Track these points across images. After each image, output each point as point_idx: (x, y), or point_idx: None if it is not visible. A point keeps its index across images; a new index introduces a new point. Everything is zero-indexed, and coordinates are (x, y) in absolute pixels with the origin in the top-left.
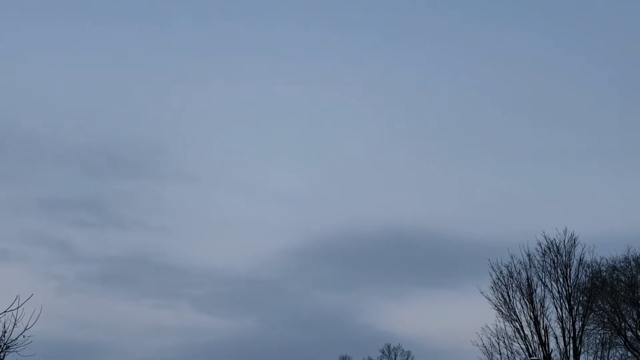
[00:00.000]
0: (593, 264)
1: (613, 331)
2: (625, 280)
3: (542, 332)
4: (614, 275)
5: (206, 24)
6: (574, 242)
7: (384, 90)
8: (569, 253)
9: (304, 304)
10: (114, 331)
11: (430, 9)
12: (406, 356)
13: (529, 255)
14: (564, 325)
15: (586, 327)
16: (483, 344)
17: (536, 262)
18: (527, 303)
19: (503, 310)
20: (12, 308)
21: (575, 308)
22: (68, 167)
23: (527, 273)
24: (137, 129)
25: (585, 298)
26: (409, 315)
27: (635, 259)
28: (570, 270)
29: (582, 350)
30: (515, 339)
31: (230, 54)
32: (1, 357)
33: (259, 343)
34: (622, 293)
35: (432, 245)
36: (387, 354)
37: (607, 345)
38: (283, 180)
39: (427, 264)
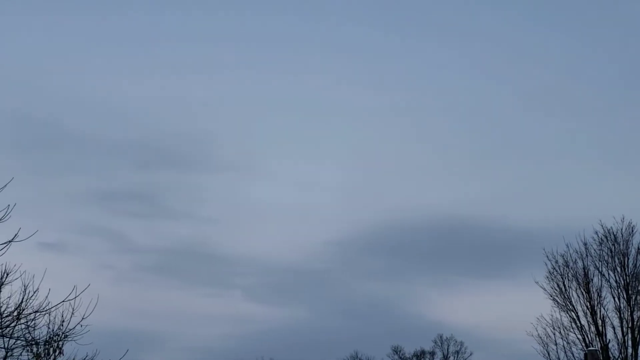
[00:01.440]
0: None
1: None
2: None
3: (599, 322)
4: None
5: (245, 16)
6: (632, 231)
7: (421, 82)
8: (627, 242)
9: (354, 294)
10: (166, 320)
11: (448, 5)
12: (459, 346)
13: (585, 244)
14: (622, 315)
15: None
16: (538, 335)
17: (593, 251)
18: (584, 293)
19: (559, 300)
20: (69, 298)
21: (634, 297)
22: (120, 160)
23: (583, 262)
24: (185, 121)
25: None
26: (461, 305)
27: None
28: (628, 259)
29: None
30: (571, 330)
31: (274, 45)
32: (60, 345)
33: (308, 333)
34: None
35: (483, 234)
36: (440, 345)
37: None
38: (329, 170)
39: (478, 253)
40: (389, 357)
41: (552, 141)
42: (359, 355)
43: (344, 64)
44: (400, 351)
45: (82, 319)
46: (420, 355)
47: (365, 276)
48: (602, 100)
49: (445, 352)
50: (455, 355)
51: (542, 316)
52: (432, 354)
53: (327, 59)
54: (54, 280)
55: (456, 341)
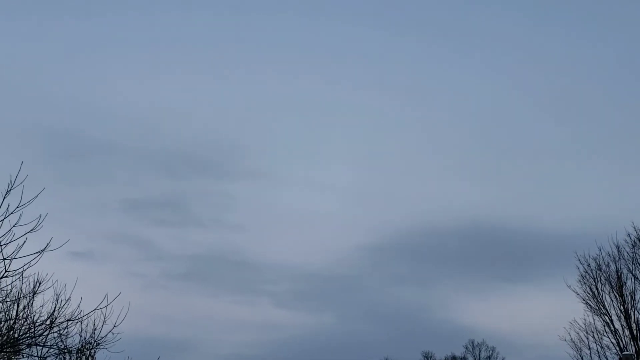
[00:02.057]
0: None
1: None
2: None
3: (634, 326)
4: None
5: (270, 24)
6: None
7: (442, 87)
8: None
9: (382, 299)
10: (195, 327)
11: (463, 10)
12: (491, 352)
13: (617, 246)
14: None
15: None
16: (571, 339)
17: (625, 254)
18: (617, 296)
19: (591, 304)
20: (101, 306)
21: None
22: (148, 169)
23: (616, 265)
24: (212, 130)
25: None
26: (492, 310)
27: None
28: None
29: None
30: (605, 334)
31: (299, 54)
32: (92, 353)
33: (337, 338)
34: None
35: (512, 238)
36: (471, 350)
37: None
38: (356, 176)
39: (507, 257)
40: None
41: (579, 144)
42: None
43: (366, 71)
44: (431, 356)
45: (114, 326)
46: None
47: (393, 281)
48: (622, 104)
49: (477, 358)
50: None
51: (574, 320)
52: (464, 359)
53: (351, 68)
54: (85, 288)
55: (488, 346)
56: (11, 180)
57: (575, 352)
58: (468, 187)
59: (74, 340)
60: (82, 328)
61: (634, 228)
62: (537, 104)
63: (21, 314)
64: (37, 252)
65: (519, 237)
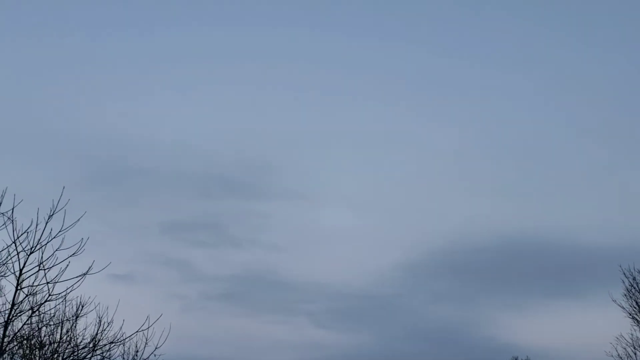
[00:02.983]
0: None
1: None
2: None
3: None
4: None
5: (300, 41)
6: None
7: (482, 103)
8: None
9: (421, 318)
10: (235, 347)
11: (505, 32)
12: None
13: None
14: None
15: None
16: (618, 354)
17: None
18: None
19: (638, 319)
20: (143, 328)
21: None
22: (185, 191)
23: None
24: (246, 150)
25: None
26: (534, 327)
27: None
28: None
29: None
30: None
31: (332, 72)
32: None
33: (377, 358)
34: None
35: (553, 253)
36: None
37: None
38: (392, 192)
39: (549, 273)
40: None
41: (620, 156)
42: None
43: (396, 89)
44: None
45: (156, 348)
46: None
47: (432, 299)
48: None
49: None
50: None
51: (621, 335)
52: None
53: (377, 85)
54: (126, 311)
55: None
56: (53, 205)
57: None
58: (506, 202)
59: None
60: (124, 350)
61: None
62: (573, 119)
63: (65, 337)
64: (80, 276)
65: (559, 251)
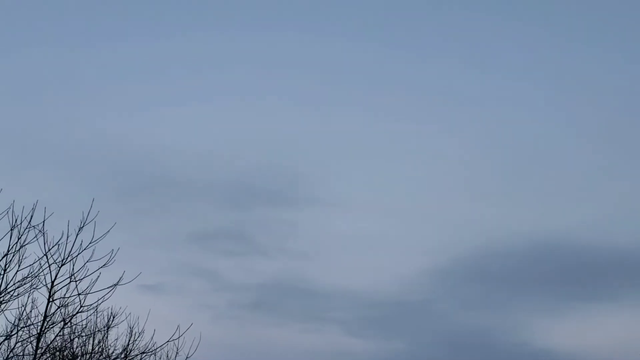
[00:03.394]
0: None
1: None
2: None
3: None
4: None
5: (320, 49)
6: None
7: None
8: None
9: (453, 324)
10: (265, 356)
11: (517, 41)
12: None
13: None
14: None
15: None
16: None
17: None
18: None
19: None
20: (174, 338)
21: None
22: (213, 201)
23: None
24: (272, 158)
25: None
26: (568, 331)
27: None
28: None
29: None
30: None
31: (361, 83)
32: None
33: None
34: None
35: (584, 256)
36: None
37: None
38: (419, 198)
39: (581, 276)
40: None
41: None
42: None
43: (420, 98)
44: None
45: (187, 358)
46: None
47: (465, 305)
48: None
49: None
50: None
51: None
52: None
53: (403, 93)
54: (157, 321)
55: None
56: (83, 217)
57: None
58: (535, 205)
59: None
60: None
61: None
62: (589, 121)
63: (97, 348)
64: (111, 287)
65: (591, 254)
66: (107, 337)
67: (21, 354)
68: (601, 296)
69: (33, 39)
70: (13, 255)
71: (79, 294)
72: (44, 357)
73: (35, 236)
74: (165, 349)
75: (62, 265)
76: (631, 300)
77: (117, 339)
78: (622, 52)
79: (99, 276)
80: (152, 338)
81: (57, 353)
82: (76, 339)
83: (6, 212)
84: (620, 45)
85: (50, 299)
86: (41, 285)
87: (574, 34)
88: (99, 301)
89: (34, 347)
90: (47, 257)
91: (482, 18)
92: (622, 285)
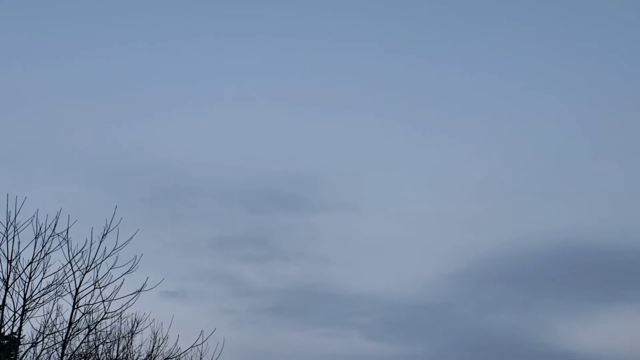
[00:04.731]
0: None
1: None
2: None
3: None
4: None
5: (342, 53)
6: None
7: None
8: None
9: (475, 327)
10: None
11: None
12: None
13: None
14: None
15: None
16: None
17: None
18: None
19: None
20: (197, 343)
21: None
22: (233, 207)
23: None
24: (292, 163)
25: None
26: (591, 332)
27: None
28: None
29: None
30: None
31: (378, 91)
32: None
33: None
34: None
35: (605, 257)
36: None
37: None
38: (438, 201)
39: (604, 277)
40: None
41: None
42: None
43: (438, 103)
44: None
45: None
46: None
47: (485, 307)
48: None
49: None
50: None
51: None
52: None
53: (422, 97)
54: (180, 327)
55: None
56: (107, 224)
57: None
58: (553, 206)
59: None
60: None
61: None
62: (611, 126)
63: (121, 354)
64: (134, 293)
65: (613, 255)
66: (131, 343)
67: None
68: (624, 297)
69: (70, 51)
70: (38, 263)
71: (103, 301)
72: None
73: (60, 244)
74: (189, 354)
75: (86, 272)
76: None
77: (141, 345)
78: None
79: (122, 282)
80: (175, 344)
81: (83, 359)
82: (101, 346)
83: (30, 220)
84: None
85: (75, 306)
86: (66, 292)
87: (591, 43)
88: (123, 307)
89: (60, 354)
90: (71, 265)
91: (502, 26)
92: None
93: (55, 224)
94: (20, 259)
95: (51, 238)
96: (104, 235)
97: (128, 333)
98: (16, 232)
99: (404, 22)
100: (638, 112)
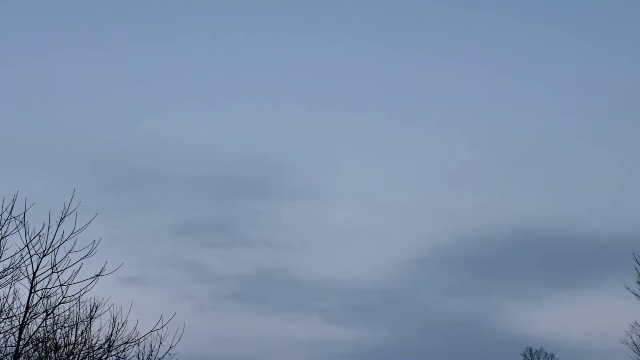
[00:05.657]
0: None
1: None
2: None
3: None
4: None
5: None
6: None
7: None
8: None
9: (434, 312)
10: (248, 346)
11: (513, 33)
12: (549, 359)
13: None
14: None
15: None
16: (633, 342)
17: None
18: None
19: None
20: (157, 327)
21: None
22: (196, 193)
23: None
24: (256, 150)
25: None
26: (548, 317)
27: None
28: None
29: None
30: None
31: (346, 79)
32: None
33: (391, 353)
34: None
35: (564, 243)
36: (529, 358)
37: None
38: (401, 188)
39: (562, 263)
40: None
41: (629, 144)
42: None
43: (408, 91)
44: None
45: (170, 347)
46: None
47: (445, 293)
48: None
49: None
50: None
51: (636, 323)
52: None
53: (389, 90)
54: (139, 312)
55: (546, 354)
56: (65, 208)
57: (637, 356)
58: (515, 194)
59: None
60: (139, 350)
61: None
62: (577, 116)
63: (80, 339)
64: (93, 277)
65: (571, 241)
66: (90, 328)
67: (3, 345)
68: (580, 283)
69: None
70: None
71: (61, 285)
72: (27, 348)
73: (16, 227)
74: (149, 339)
75: (43, 256)
76: (609, 287)
77: (100, 330)
78: (622, 52)
79: (80, 267)
80: (135, 328)
81: (40, 344)
82: (59, 330)
83: None
84: (621, 45)
85: (32, 290)
86: (22, 276)
87: (573, 32)
88: (81, 292)
89: (17, 339)
90: (28, 248)
91: (485, 16)
92: (601, 272)
93: (12, 207)
94: None
95: (7, 221)
96: (61, 219)
97: (86, 317)
98: None
99: (377, 11)
100: (615, 105)
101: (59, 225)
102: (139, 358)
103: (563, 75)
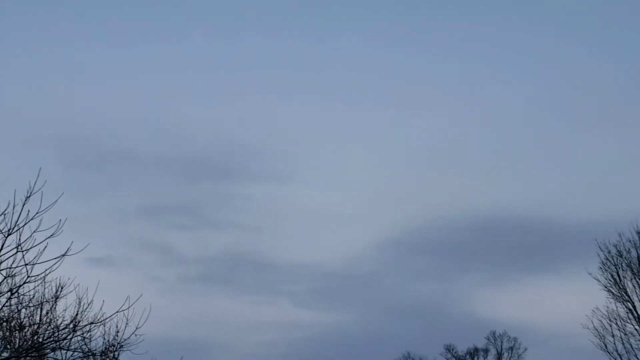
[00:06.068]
0: None
1: None
2: None
3: None
4: None
5: (279, 37)
6: None
7: (467, 84)
8: None
9: (402, 295)
10: (216, 328)
11: (493, 21)
12: (513, 342)
13: (638, 232)
14: None
15: None
16: (594, 327)
17: None
18: (639, 282)
19: (613, 291)
20: (123, 308)
21: None
22: (165, 175)
23: (637, 251)
24: (226, 133)
25: None
26: (512, 302)
27: None
28: None
29: None
30: (628, 320)
31: (317, 64)
32: (116, 355)
33: (358, 336)
34: None
35: (529, 229)
36: (493, 341)
37: None
38: (370, 172)
39: (526, 249)
40: (442, 355)
41: (594, 129)
42: (412, 356)
43: (384, 75)
44: (453, 350)
45: (136, 328)
46: (474, 352)
47: (412, 277)
48: None
49: (499, 349)
50: (510, 352)
51: (597, 308)
52: (486, 351)
53: (361, 74)
54: (106, 293)
55: (509, 337)
56: (30, 187)
57: (598, 340)
58: (481, 179)
59: (97, 343)
60: (105, 331)
61: None
62: (549, 88)
63: (45, 319)
64: (58, 257)
65: (536, 227)
66: (55, 308)
67: None
68: (544, 269)
69: None
70: None
71: (25, 265)
72: None
73: None
74: (115, 320)
75: (8, 235)
76: (572, 272)
77: (65, 310)
78: (613, 43)
79: (46, 246)
80: (101, 309)
81: (4, 323)
82: (24, 310)
83: None
84: (614, 36)
85: None
86: None
87: (561, 18)
88: (47, 272)
89: None
90: None
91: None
92: (564, 258)
93: None
94: None
95: None
96: (27, 198)
97: (52, 297)
98: None
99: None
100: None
101: (24, 204)
102: (104, 338)
103: (534, 59)
